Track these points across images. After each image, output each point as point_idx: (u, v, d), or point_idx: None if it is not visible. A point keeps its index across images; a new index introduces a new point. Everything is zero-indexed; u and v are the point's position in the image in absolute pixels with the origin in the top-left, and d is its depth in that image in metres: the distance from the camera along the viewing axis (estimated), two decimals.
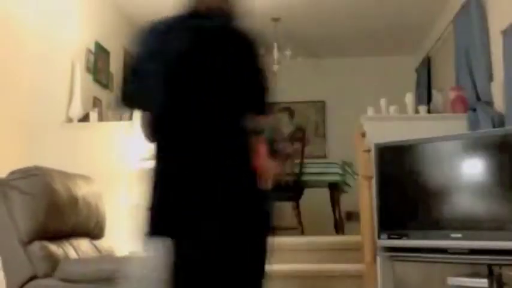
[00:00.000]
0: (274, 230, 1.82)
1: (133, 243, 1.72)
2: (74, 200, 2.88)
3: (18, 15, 3.86)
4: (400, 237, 3.38)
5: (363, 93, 6.34)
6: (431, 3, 5.66)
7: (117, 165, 4.05)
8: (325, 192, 5.34)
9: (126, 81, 1.96)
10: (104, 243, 3.28)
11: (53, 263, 2.58)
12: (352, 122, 4.35)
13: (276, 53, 6.15)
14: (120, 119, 4.46)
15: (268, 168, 1.77)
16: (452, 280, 3.18)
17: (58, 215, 2.74)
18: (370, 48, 7.09)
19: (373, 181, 3.68)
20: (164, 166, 1.77)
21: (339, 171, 5.04)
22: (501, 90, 4.00)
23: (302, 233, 4.98)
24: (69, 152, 4.09)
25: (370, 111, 4.41)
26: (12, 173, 2.71)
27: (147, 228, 1.71)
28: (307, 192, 5.27)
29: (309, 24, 6.28)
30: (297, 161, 4.93)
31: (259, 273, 1.84)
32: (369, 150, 3.70)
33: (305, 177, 5.03)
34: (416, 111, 4.48)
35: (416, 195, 3.46)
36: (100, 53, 5.22)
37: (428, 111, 4.47)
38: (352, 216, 5.93)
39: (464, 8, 4.81)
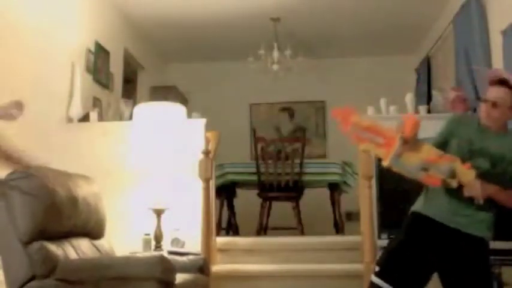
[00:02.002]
0: None
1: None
2: (73, 200, 2.88)
3: (18, 16, 3.86)
4: None
5: (363, 93, 6.34)
6: (431, 3, 5.66)
7: (116, 165, 4.04)
8: (325, 192, 5.34)
9: None
10: (104, 243, 3.28)
11: (53, 263, 2.57)
12: None
13: (276, 53, 6.15)
14: (121, 119, 4.47)
15: None
16: None
17: (58, 215, 2.74)
18: (370, 48, 7.09)
19: (373, 181, 3.68)
20: None
21: (339, 171, 5.03)
22: None
23: (302, 233, 4.98)
24: (69, 152, 4.09)
25: (370, 111, 4.40)
26: (12, 173, 2.70)
27: None
28: (307, 192, 5.27)
29: (309, 24, 6.28)
30: None
31: None
32: (369, 150, 3.69)
33: (305, 177, 5.04)
34: (416, 111, 4.48)
35: (416, 195, 3.45)
36: (100, 53, 5.22)
37: (428, 111, 4.47)
38: (352, 216, 5.92)
39: (464, 8, 4.81)
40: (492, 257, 2.93)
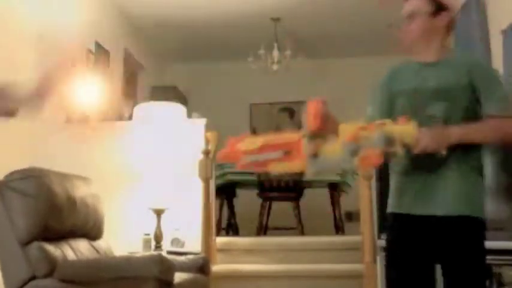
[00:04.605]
0: None
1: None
2: (72, 201, 2.88)
3: (17, 16, 3.85)
4: None
5: (363, 93, 6.33)
6: None
7: (116, 165, 4.04)
8: (325, 192, 5.34)
9: None
10: (102, 243, 3.28)
11: (52, 263, 2.57)
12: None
13: (276, 53, 6.15)
14: (120, 119, 4.47)
15: None
16: None
17: (56, 216, 2.74)
18: (370, 48, 7.08)
19: (373, 181, 3.67)
20: None
21: (339, 171, 5.03)
22: None
23: (302, 233, 4.98)
24: (68, 152, 4.08)
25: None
26: (11, 174, 2.70)
27: None
28: (307, 192, 5.27)
29: (309, 24, 6.28)
30: None
31: None
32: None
33: (305, 177, 5.03)
34: None
35: None
36: (100, 53, 5.22)
37: None
38: (352, 216, 5.92)
39: (464, 8, 4.81)
40: (492, 257, 2.94)
